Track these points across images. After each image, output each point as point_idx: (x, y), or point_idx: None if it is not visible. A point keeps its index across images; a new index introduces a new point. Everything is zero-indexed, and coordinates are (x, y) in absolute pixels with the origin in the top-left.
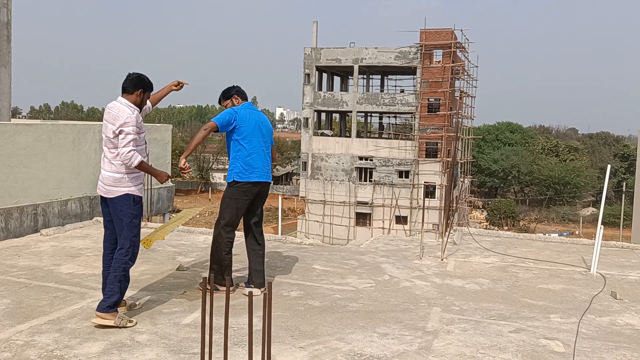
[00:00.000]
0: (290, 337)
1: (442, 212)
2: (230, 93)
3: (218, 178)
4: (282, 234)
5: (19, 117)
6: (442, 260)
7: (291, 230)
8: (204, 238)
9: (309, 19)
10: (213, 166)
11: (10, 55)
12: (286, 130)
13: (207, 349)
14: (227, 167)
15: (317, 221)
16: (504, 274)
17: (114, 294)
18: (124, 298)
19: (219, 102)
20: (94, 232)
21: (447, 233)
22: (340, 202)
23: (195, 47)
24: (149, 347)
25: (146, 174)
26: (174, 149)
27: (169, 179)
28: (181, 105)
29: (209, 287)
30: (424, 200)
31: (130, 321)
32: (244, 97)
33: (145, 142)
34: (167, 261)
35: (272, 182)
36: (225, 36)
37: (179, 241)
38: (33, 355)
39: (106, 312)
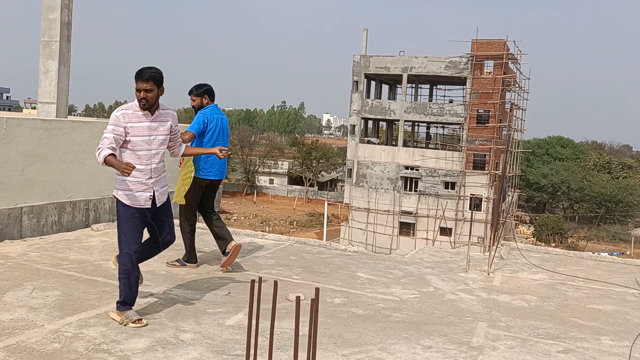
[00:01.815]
0: (332, 344)
1: (490, 225)
2: (202, 90)
3: (263, 181)
4: (326, 240)
5: (74, 115)
6: (488, 274)
7: (334, 236)
8: (249, 240)
9: (359, 26)
10: (259, 169)
11: (70, 54)
12: (332, 136)
13: (252, 351)
14: (272, 170)
15: (361, 229)
16: (552, 291)
17: (120, 293)
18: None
19: (189, 93)
20: None
21: (494, 247)
22: (385, 211)
23: (246, 52)
24: (193, 346)
25: (154, 178)
26: None
27: (131, 170)
28: (230, 109)
29: (257, 291)
30: (471, 212)
31: (136, 322)
32: (213, 98)
33: (158, 148)
34: (212, 262)
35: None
36: (275, 42)
37: None
38: (81, 348)
39: (116, 309)
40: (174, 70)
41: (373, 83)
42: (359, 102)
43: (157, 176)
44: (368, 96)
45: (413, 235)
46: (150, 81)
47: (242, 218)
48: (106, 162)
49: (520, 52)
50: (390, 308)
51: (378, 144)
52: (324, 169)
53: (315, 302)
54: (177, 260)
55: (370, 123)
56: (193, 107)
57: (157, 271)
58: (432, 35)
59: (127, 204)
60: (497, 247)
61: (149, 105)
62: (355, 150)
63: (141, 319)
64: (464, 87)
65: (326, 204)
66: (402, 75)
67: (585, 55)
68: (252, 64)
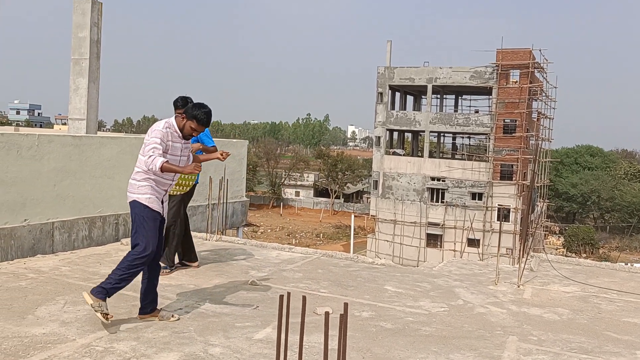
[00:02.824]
0: (361, 358)
1: (519, 236)
2: (183, 106)
3: (289, 194)
4: (353, 252)
5: (104, 130)
6: (518, 287)
7: (361, 248)
8: (277, 253)
9: (384, 37)
10: (285, 182)
11: (99, 71)
12: (357, 148)
13: None
14: (298, 182)
15: (387, 241)
16: (585, 304)
17: (110, 282)
18: (158, 307)
19: (176, 104)
20: None
21: (524, 259)
22: (411, 223)
23: (269, 64)
24: None
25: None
26: (247, 164)
27: (199, 171)
28: (255, 122)
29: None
30: (500, 224)
31: (106, 315)
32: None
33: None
34: (240, 275)
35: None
36: (298, 53)
37: (252, 256)
38: None
39: (94, 293)
40: (199, 84)
41: (398, 94)
42: (383, 114)
43: (168, 191)
44: (393, 107)
45: (440, 247)
46: (206, 127)
47: (269, 231)
48: (163, 168)
49: (547, 60)
50: (419, 322)
51: (404, 155)
52: (349, 181)
53: (344, 317)
54: (165, 268)
55: (395, 134)
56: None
57: (185, 285)
58: (457, 45)
59: (150, 206)
60: (526, 258)
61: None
62: (381, 161)
63: (110, 315)
64: (490, 96)
65: (352, 216)
66: (426, 86)
67: (613, 61)
68: (276, 77)
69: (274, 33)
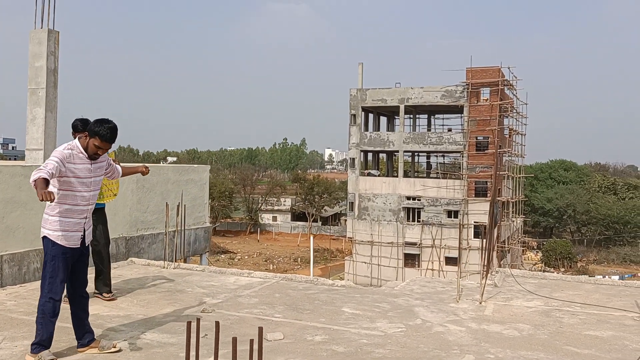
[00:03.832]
0: None
1: (482, 252)
2: (84, 128)
3: (267, 219)
4: (330, 276)
5: None
6: (480, 303)
7: (339, 271)
8: (235, 279)
9: (356, 60)
10: (262, 207)
11: (57, 100)
12: (335, 170)
13: None
14: (275, 207)
15: (365, 262)
16: (547, 319)
17: (37, 333)
18: (100, 338)
19: (76, 128)
20: (126, 272)
21: (486, 274)
22: (388, 243)
23: (243, 90)
24: None
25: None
26: (223, 190)
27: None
28: (232, 148)
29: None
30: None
31: None
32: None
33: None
34: (193, 302)
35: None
36: (272, 79)
37: (209, 282)
38: None
39: (32, 352)
40: (170, 109)
41: (371, 115)
42: (357, 135)
43: (89, 217)
44: (367, 129)
45: (418, 267)
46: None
47: (246, 257)
48: (36, 182)
49: (516, 77)
50: (374, 344)
51: (378, 175)
52: (326, 204)
53: (259, 341)
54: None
55: (370, 155)
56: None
57: (134, 315)
58: (427, 65)
59: (60, 243)
60: (488, 274)
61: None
62: (356, 183)
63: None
64: (462, 115)
65: (312, 238)
66: (399, 106)
67: (585, 76)
68: (250, 103)
69: (246, 59)
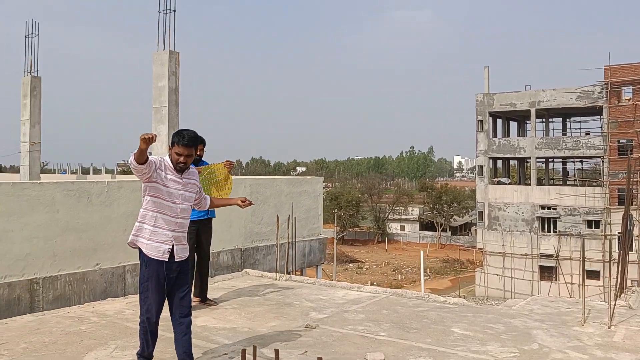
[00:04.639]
0: None
1: (610, 268)
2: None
3: (394, 228)
4: (460, 288)
5: None
6: (609, 327)
7: (470, 283)
8: (344, 293)
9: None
10: (389, 216)
11: (178, 117)
12: (465, 178)
13: None
14: (403, 217)
15: (497, 274)
16: None
17: (140, 345)
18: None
19: (202, 143)
20: (240, 283)
21: (619, 294)
22: (522, 255)
23: (369, 99)
24: None
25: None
26: (350, 199)
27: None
28: (359, 157)
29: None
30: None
31: None
32: None
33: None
34: (299, 317)
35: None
36: (397, 86)
37: (317, 295)
38: None
39: None
40: (299, 121)
41: (499, 121)
42: (484, 142)
43: (179, 232)
44: (495, 135)
45: (556, 280)
46: (193, 147)
47: (374, 266)
48: (139, 150)
49: None
50: None
51: (509, 184)
52: (455, 213)
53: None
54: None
55: (499, 162)
56: (199, 156)
57: (239, 328)
58: (558, 66)
59: (148, 255)
60: (621, 293)
61: (185, 169)
62: (485, 192)
63: None
64: (601, 117)
65: (422, 252)
66: (529, 110)
67: None
68: (378, 112)
69: (371, 67)
